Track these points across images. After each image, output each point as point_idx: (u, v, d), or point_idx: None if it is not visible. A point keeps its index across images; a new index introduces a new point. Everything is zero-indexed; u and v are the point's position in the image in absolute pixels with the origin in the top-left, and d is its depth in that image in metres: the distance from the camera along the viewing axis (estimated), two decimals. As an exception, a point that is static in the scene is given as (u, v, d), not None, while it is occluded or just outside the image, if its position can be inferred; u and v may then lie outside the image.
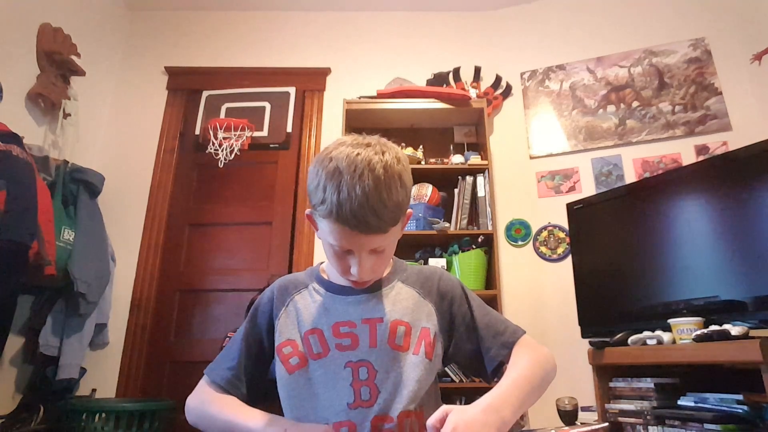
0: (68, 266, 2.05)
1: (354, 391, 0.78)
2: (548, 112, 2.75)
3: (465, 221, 2.41)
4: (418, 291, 0.89)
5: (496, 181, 2.62)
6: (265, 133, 2.79)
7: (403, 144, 2.56)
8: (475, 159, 2.48)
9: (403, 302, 0.87)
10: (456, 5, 3.01)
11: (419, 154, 2.53)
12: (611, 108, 2.63)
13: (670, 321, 1.66)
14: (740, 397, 1.46)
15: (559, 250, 2.49)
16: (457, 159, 2.52)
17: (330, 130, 2.77)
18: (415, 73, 2.81)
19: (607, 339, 1.81)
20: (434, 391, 0.85)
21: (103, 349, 2.41)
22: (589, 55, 2.75)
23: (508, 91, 2.83)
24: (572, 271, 2.14)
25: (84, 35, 2.53)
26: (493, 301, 2.20)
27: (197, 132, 2.81)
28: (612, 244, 2.05)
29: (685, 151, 2.42)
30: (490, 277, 2.31)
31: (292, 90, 2.88)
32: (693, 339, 1.53)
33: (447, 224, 2.33)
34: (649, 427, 1.61)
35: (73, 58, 2.41)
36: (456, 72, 2.80)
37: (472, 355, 0.87)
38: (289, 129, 2.80)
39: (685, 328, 1.60)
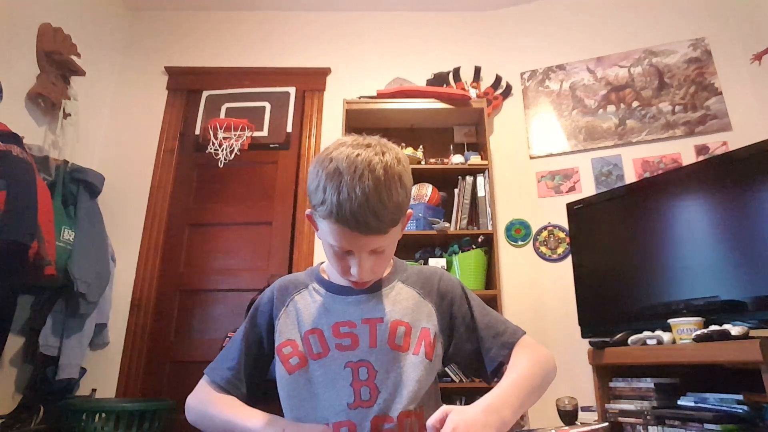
0: (68, 266, 2.05)
1: (354, 391, 0.78)
2: (548, 112, 2.75)
3: (465, 221, 2.41)
4: (418, 291, 0.89)
5: (496, 181, 2.62)
6: (265, 133, 2.79)
7: (403, 144, 2.56)
8: (475, 159, 2.48)
9: (403, 302, 0.87)
10: (456, 5, 3.01)
11: (419, 154, 2.53)
12: (611, 108, 2.63)
13: (670, 321, 1.66)
14: (740, 397, 1.46)
15: (559, 250, 2.49)
16: (457, 159, 2.52)
17: (330, 130, 2.77)
18: (415, 73, 2.81)
19: (607, 339, 1.81)
20: (434, 391, 0.85)
21: (103, 349, 2.41)
22: (589, 55, 2.75)
23: (508, 91, 2.83)
24: (572, 271, 2.14)
25: (84, 35, 2.53)
26: (493, 301, 2.20)
27: (197, 132, 2.81)
28: (612, 244, 2.05)
29: (685, 151, 2.42)
30: (490, 277, 2.31)
31: (292, 90, 2.88)
32: (693, 339, 1.53)
33: (447, 224, 2.33)
34: (649, 427, 1.61)
35: (73, 58, 2.41)
36: (456, 72, 2.80)
37: (472, 355, 0.88)
38: (289, 129, 2.80)
39: (685, 328, 1.60)
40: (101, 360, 2.38)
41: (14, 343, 2.10)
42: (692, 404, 1.56)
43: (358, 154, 0.72)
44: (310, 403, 0.80)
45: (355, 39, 3.01)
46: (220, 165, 2.63)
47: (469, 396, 2.16)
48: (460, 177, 2.49)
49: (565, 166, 2.62)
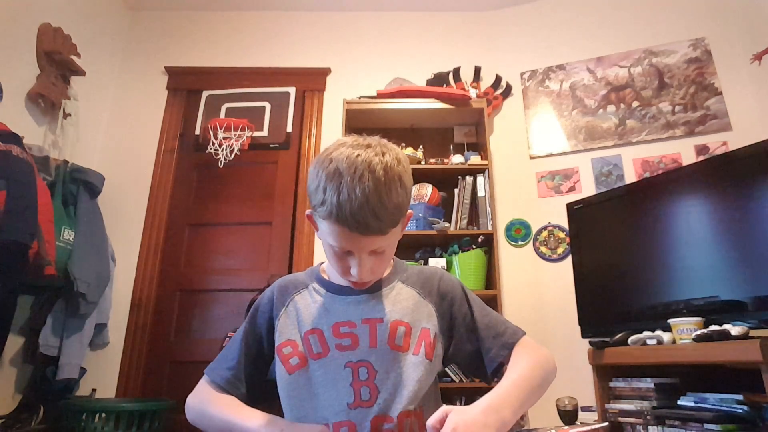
0: (68, 266, 2.05)
1: (354, 391, 0.78)
2: (548, 112, 2.75)
3: (465, 221, 2.41)
4: (418, 291, 0.89)
5: (496, 181, 2.62)
6: (265, 133, 2.79)
7: (403, 144, 2.57)
8: (475, 159, 2.48)
9: (403, 302, 0.87)
10: (456, 5, 3.01)
11: (419, 154, 2.53)
12: (611, 108, 2.63)
13: (670, 321, 1.66)
14: (740, 397, 1.46)
15: (559, 250, 2.49)
16: (457, 159, 2.52)
17: (330, 130, 2.77)
18: (415, 73, 2.81)
19: (607, 339, 1.81)
20: (434, 392, 0.85)
21: (103, 349, 2.41)
22: (589, 55, 2.75)
23: (508, 91, 2.83)
24: (572, 271, 2.14)
25: (84, 35, 2.53)
26: (493, 301, 2.20)
27: (197, 132, 2.81)
28: (612, 244, 2.05)
29: (685, 151, 2.42)
30: (490, 277, 2.31)
31: (292, 90, 2.88)
32: (693, 339, 1.53)
33: (447, 224, 2.33)
34: (649, 427, 1.61)
35: (73, 58, 2.41)
36: (456, 72, 2.80)
37: (472, 355, 0.88)
38: (289, 129, 2.80)
39: (685, 328, 1.60)
40: (101, 360, 2.38)
41: (14, 343, 2.10)
42: (692, 404, 1.56)
43: (358, 155, 0.72)
44: (310, 403, 0.80)
45: (355, 39, 3.01)
46: (220, 165, 2.63)
47: (469, 396, 2.17)
48: (460, 177, 2.49)
49: (565, 166, 2.62)
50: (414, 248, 2.44)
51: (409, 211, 0.81)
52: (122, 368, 2.39)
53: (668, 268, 1.83)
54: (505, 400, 0.71)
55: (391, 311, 0.85)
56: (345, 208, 0.70)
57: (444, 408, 0.67)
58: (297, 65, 2.93)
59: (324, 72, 2.92)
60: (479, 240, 2.33)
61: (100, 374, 2.35)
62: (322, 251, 0.95)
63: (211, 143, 2.65)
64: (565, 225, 2.35)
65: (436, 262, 2.32)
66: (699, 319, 1.61)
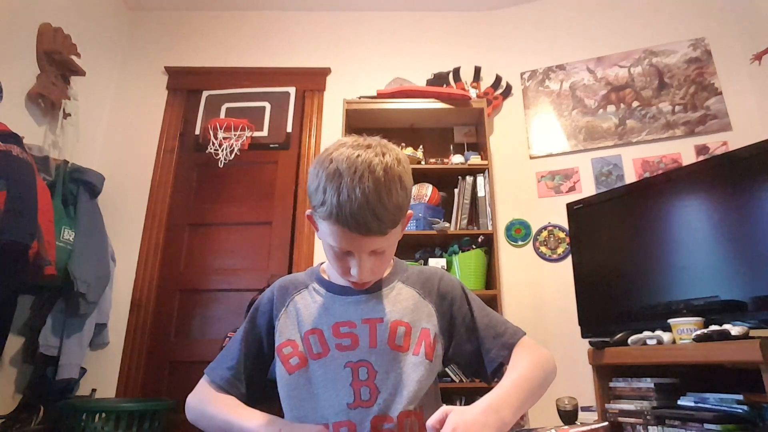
0: (68, 266, 2.04)
1: (354, 391, 0.78)
2: (548, 112, 2.75)
3: (465, 221, 2.41)
4: (418, 291, 0.89)
5: (496, 181, 2.62)
6: (265, 133, 2.79)
7: (403, 144, 2.57)
8: (475, 159, 2.48)
9: (403, 303, 0.87)
10: (456, 5, 3.01)
11: (419, 154, 2.53)
12: (611, 108, 2.63)
13: (670, 321, 1.66)
14: (740, 397, 1.46)
15: (559, 250, 2.49)
16: (457, 159, 2.52)
17: (330, 130, 2.77)
18: (415, 73, 2.81)
19: (607, 339, 1.81)
20: (434, 392, 0.85)
21: (103, 349, 2.41)
22: (589, 55, 2.75)
23: (508, 91, 2.83)
24: (572, 271, 2.14)
25: (84, 35, 2.53)
26: (493, 301, 2.20)
27: (197, 132, 2.81)
28: (612, 244, 2.05)
29: (685, 151, 2.42)
30: (490, 277, 2.31)
31: (292, 90, 2.88)
32: (693, 339, 1.53)
33: (447, 224, 2.33)
34: (649, 427, 1.61)
35: (73, 58, 2.41)
36: (456, 72, 2.80)
37: (472, 355, 0.88)
38: (289, 129, 2.80)
39: (685, 328, 1.60)
40: (101, 360, 2.38)
41: (14, 343, 2.10)
42: (692, 404, 1.56)
43: (358, 155, 0.73)
44: (310, 403, 0.80)
45: (355, 39, 3.01)
46: (220, 165, 2.63)
47: (469, 396, 2.17)
48: (460, 177, 2.49)
49: (565, 166, 2.62)
50: (414, 248, 2.44)
51: (409, 211, 0.81)
52: (122, 368, 2.39)
53: (668, 268, 1.83)
54: (505, 400, 0.71)
55: (391, 311, 0.85)
56: (345, 209, 0.70)
57: (444, 408, 0.67)
58: (297, 65, 2.93)
59: (324, 72, 2.92)
60: (479, 240, 2.33)
61: (100, 374, 2.35)
62: (322, 251, 0.95)
63: (211, 143, 2.65)
64: (565, 225, 2.35)
65: (436, 262, 2.32)
66: (699, 319, 1.61)
